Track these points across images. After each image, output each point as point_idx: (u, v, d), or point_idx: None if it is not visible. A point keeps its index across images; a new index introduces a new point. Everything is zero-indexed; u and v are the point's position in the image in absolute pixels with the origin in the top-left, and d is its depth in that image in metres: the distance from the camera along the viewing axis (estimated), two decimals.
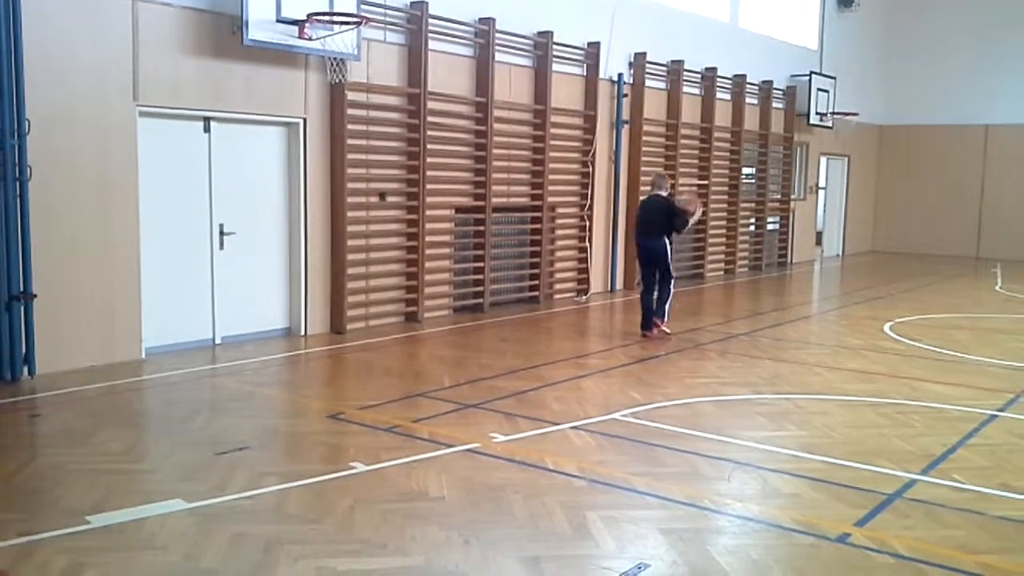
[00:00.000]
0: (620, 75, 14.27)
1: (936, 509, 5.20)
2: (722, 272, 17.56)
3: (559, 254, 13.68)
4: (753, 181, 18.46)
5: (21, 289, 7.69)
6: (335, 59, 9.61)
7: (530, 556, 4.44)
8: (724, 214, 17.54)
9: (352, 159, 10.30)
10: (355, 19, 9.29)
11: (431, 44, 11.02)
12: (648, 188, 11.61)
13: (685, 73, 15.62)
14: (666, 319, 10.63)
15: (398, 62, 10.83)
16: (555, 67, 12.89)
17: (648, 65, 14.73)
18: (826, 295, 16.09)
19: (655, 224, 10.48)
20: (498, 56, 11.99)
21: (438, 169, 11.39)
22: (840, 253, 22.87)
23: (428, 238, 11.30)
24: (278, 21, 8.93)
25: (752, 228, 18.61)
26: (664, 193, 10.82)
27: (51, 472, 5.53)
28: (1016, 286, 16.72)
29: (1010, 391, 8.23)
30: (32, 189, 7.68)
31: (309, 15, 9.03)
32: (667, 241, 10.46)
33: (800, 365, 9.29)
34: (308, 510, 5.00)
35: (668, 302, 10.59)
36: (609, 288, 14.66)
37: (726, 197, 17.45)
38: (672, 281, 10.63)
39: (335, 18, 9.19)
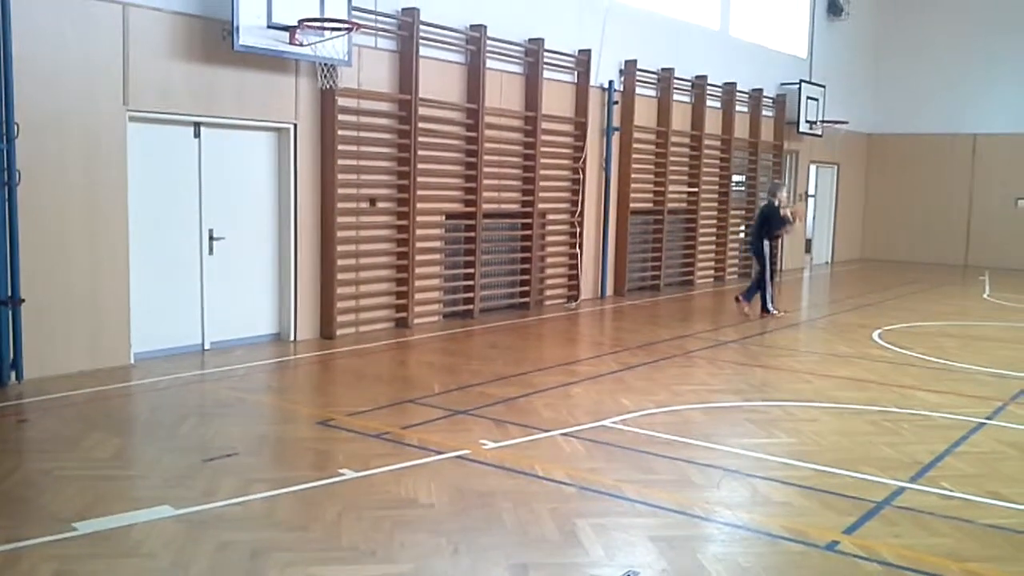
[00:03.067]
0: (611, 82, 14.30)
1: (925, 517, 5.21)
2: (712, 279, 17.60)
3: (549, 260, 13.69)
4: (743, 189, 18.51)
5: (9, 294, 7.66)
6: (326, 65, 9.60)
7: (519, 563, 4.43)
8: (714, 221, 17.57)
9: (342, 165, 10.29)
10: (346, 25, 9.29)
11: (422, 51, 11.03)
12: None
13: (675, 81, 15.66)
14: (749, 302, 12.76)
15: (389, 68, 10.83)
16: (546, 74, 12.91)
17: (638, 73, 14.77)
18: (815, 302, 16.13)
19: (755, 228, 12.91)
20: (489, 63, 12.00)
21: (429, 175, 11.38)
22: (829, 261, 22.94)
23: (418, 244, 11.29)
24: (269, 27, 8.92)
25: (742, 235, 18.64)
26: (775, 201, 12.74)
27: (38, 478, 5.50)
28: (1004, 294, 16.80)
29: (998, 399, 8.26)
30: (21, 193, 7.65)
31: (300, 21, 9.02)
32: (763, 242, 12.59)
33: (789, 372, 9.31)
34: (296, 517, 4.98)
35: (756, 292, 12.78)
36: (599, 295, 14.67)
37: (716, 205, 17.49)
38: (764, 276, 12.69)
39: (326, 24, 9.19)
